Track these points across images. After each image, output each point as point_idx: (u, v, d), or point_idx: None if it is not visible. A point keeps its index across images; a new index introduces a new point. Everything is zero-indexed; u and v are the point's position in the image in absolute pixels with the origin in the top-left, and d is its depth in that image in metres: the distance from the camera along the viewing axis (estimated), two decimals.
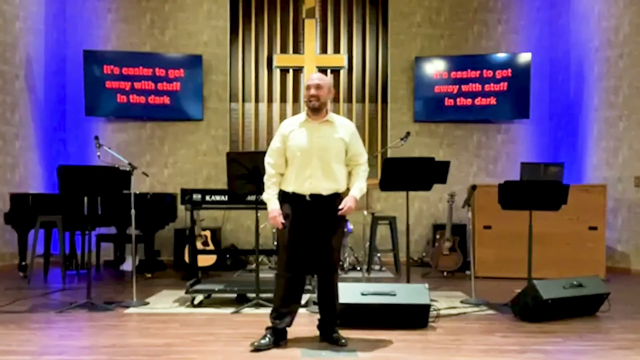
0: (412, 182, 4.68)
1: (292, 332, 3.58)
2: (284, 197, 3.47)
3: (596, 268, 5.98)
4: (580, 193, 6.10)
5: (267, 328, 3.48)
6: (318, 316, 3.60)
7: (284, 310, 3.46)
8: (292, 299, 3.47)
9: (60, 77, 7.87)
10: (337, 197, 3.44)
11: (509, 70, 7.68)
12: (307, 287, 4.54)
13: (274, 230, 6.07)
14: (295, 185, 3.42)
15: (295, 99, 7.92)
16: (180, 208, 6.10)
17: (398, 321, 3.94)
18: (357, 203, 3.46)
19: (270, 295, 4.14)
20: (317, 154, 3.39)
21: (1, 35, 6.90)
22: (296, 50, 7.96)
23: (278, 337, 3.46)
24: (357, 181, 3.51)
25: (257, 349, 3.34)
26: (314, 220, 3.40)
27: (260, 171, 3.72)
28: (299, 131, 3.46)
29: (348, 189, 3.52)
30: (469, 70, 7.77)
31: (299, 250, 3.42)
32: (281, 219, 3.41)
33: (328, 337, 3.52)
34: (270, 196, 3.48)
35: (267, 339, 3.41)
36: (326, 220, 3.40)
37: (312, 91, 3.42)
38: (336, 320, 3.56)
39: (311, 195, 3.39)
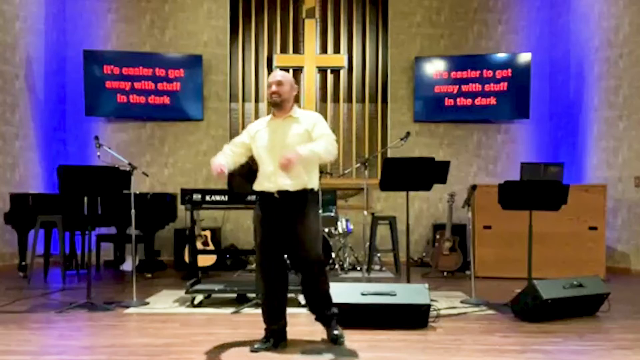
0: (412, 182, 4.68)
1: (292, 332, 3.57)
2: (257, 197, 3.47)
3: (596, 268, 5.97)
4: (580, 193, 6.10)
5: (266, 329, 3.46)
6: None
7: (273, 311, 3.43)
8: (276, 298, 3.42)
9: (60, 77, 7.87)
10: (307, 193, 3.36)
11: (509, 70, 7.68)
12: None
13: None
14: (263, 184, 3.41)
15: (296, 99, 7.88)
16: (180, 208, 6.09)
17: (398, 321, 3.93)
18: (300, 159, 3.16)
19: None
20: (280, 151, 3.32)
21: (1, 35, 6.91)
22: (296, 50, 7.96)
23: (277, 339, 3.44)
24: (312, 143, 3.30)
25: (256, 351, 3.33)
26: (284, 217, 3.35)
27: None
28: (264, 131, 3.47)
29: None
30: (469, 70, 7.77)
31: (272, 249, 3.39)
32: (221, 168, 3.32)
33: (328, 333, 3.45)
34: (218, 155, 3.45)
35: (266, 342, 3.40)
36: (295, 215, 3.33)
37: (274, 88, 3.45)
38: (329, 316, 3.44)
39: (279, 192, 3.35)
